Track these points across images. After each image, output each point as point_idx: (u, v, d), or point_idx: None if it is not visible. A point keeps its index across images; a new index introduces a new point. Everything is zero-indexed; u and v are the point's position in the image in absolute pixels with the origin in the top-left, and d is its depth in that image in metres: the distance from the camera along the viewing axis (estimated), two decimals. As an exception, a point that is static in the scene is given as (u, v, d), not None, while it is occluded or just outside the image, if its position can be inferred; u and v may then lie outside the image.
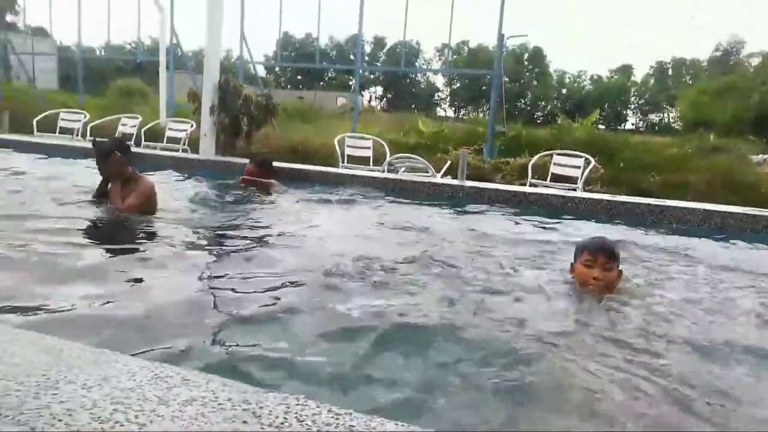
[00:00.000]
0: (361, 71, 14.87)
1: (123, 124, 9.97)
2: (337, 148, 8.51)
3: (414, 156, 7.60)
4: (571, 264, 2.84)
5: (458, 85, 69.06)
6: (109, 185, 3.96)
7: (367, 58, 63.34)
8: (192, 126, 9.10)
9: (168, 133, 9.61)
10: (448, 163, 8.18)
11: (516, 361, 1.98)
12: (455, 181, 6.22)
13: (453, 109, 70.90)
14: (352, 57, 56.87)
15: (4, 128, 8.12)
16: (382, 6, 17.44)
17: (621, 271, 2.74)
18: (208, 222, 4.34)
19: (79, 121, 10.08)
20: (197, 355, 1.92)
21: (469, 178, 6.41)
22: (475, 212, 5.29)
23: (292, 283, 2.84)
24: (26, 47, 17.50)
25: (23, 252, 2.94)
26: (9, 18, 29.21)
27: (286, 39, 53.85)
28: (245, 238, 3.87)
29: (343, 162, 8.32)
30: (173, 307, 2.38)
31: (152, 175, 5.15)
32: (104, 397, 1.02)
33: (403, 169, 7.41)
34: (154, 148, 8.93)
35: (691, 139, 12.46)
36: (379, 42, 66.50)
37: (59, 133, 9.93)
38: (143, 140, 9.59)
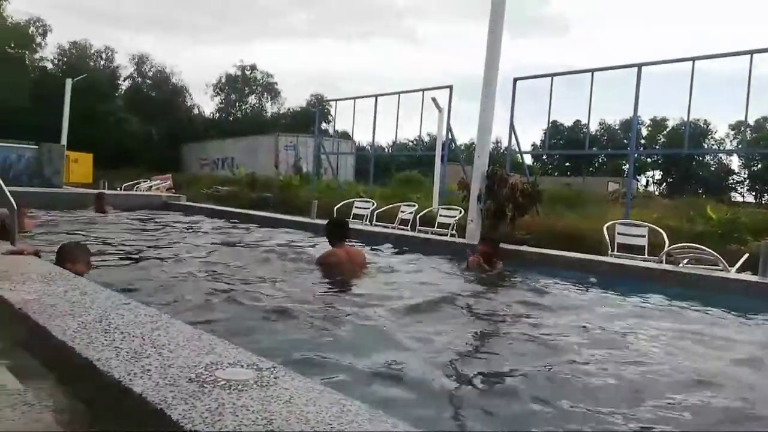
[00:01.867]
0: (635, 155, 14.01)
1: (402, 211, 11.17)
2: (606, 235, 8.04)
3: (700, 246, 6.70)
4: None
5: (759, 165, 58.95)
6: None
7: (643, 140, 59.16)
8: (460, 212, 9.71)
9: (439, 219, 10.40)
10: (746, 255, 6.96)
11: None
12: (755, 278, 5.26)
13: (753, 193, 60.47)
14: (625, 141, 53.92)
15: (313, 215, 9.88)
16: (660, 86, 16.40)
17: None
18: (416, 297, 4.65)
19: (368, 208, 11.67)
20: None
21: (776, 274, 5.33)
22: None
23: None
24: (333, 148, 21.49)
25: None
26: (323, 126, 36.27)
27: (554, 127, 54.13)
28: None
29: (612, 250, 7.79)
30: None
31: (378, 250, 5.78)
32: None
33: (685, 260, 6.58)
34: (426, 232, 9.74)
35: None
36: (657, 123, 61.55)
37: (353, 218, 11.52)
38: (418, 225, 10.57)
